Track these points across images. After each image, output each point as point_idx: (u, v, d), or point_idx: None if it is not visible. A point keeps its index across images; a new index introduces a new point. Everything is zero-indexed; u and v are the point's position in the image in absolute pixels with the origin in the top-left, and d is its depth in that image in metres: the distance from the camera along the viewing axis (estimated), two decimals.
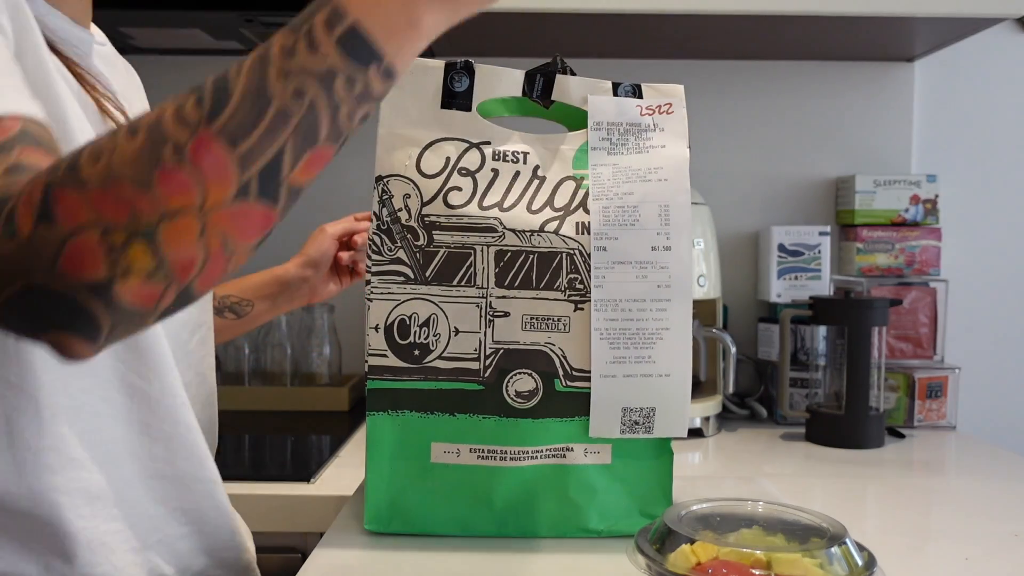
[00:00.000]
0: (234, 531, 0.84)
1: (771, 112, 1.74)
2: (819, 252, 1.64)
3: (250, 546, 0.88)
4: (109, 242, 0.49)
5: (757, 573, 0.67)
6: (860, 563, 0.70)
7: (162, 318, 0.54)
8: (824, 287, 1.63)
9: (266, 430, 1.50)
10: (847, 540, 0.70)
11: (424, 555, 0.87)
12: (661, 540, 0.73)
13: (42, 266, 0.49)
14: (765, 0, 1.35)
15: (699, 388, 1.50)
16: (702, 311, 1.51)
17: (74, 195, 0.49)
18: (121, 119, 0.76)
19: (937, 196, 1.65)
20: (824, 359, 1.53)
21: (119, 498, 0.74)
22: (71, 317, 0.50)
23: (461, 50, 1.60)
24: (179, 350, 0.81)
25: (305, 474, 1.21)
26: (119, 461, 0.74)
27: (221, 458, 0.85)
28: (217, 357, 1.65)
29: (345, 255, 1.18)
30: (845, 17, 1.37)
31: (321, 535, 0.93)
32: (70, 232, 0.49)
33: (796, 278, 1.64)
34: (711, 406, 1.48)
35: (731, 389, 1.48)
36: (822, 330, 1.53)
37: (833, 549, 0.69)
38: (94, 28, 0.83)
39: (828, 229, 1.65)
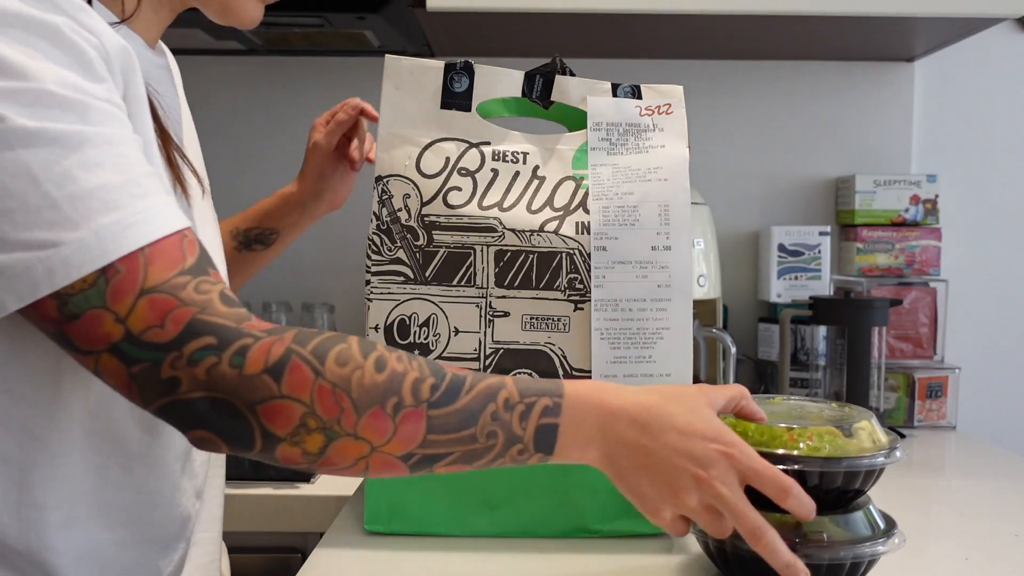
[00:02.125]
0: None
1: (771, 112, 1.74)
2: (819, 252, 1.64)
3: None
4: (306, 422, 0.60)
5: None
6: (884, 439, 0.78)
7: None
8: (824, 287, 1.63)
9: None
10: (872, 420, 0.79)
11: (424, 555, 0.87)
12: None
13: (248, 399, 0.59)
14: (765, 0, 1.35)
15: None
16: (702, 311, 1.50)
17: (308, 375, 0.60)
18: (185, 173, 0.76)
19: (937, 196, 1.65)
20: (824, 359, 1.53)
21: (113, 560, 0.71)
22: (238, 437, 0.60)
23: (462, 51, 1.60)
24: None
25: (305, 474, 1.21)
26: (120, 524, 0.71)
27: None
28: None
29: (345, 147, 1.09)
30: (845, 17, 1.37)
31: (321, 535, 0.93)
32: (284, 396, 0.59)
33: (796, 278, 1.64)
34: None
35: None
36: (822, 330, 1.53)
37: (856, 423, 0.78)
38: (160, 44, 0.82)
39: (828, 229, 1.65)
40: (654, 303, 0.87)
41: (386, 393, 0.62)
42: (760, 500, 0.76)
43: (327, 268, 1.74)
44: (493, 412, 0.66)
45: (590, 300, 0.88)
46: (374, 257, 0.89)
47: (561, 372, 0.88)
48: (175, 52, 0.88)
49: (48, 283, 0.57)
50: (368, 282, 0.89)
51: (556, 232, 0.88)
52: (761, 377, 1.68)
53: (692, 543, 0.88)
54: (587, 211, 0.88)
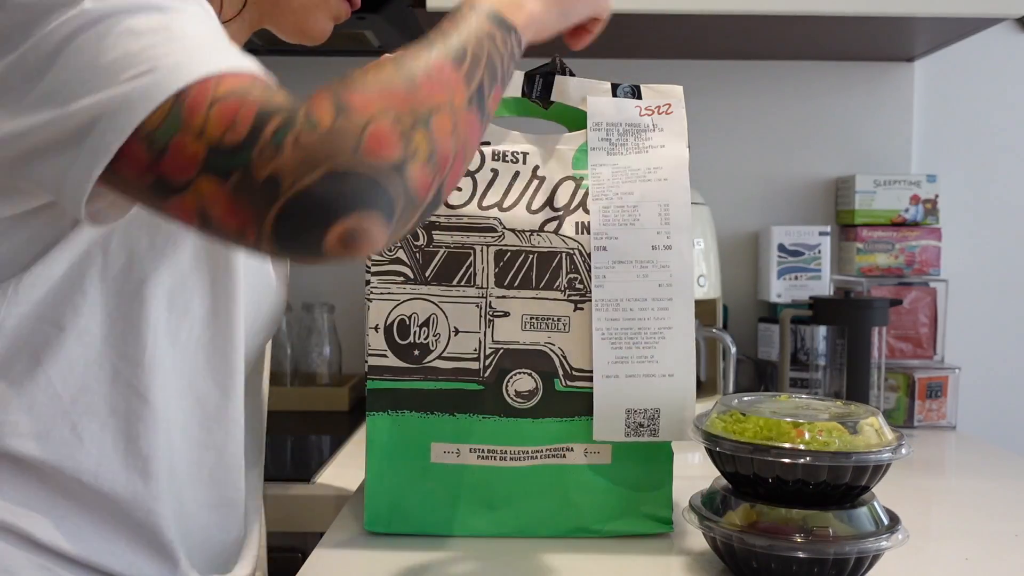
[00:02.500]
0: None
1: (771, 112, 1.74)
2: (819, 252, 1.64)
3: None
4: (400, 127, 0.58)
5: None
6: (889, 436, 0.79)
7: (418, 222, 0.62)
8: (824, 287, 1.63)
9: (267, 430, 1.49)
10: (879, 416, 0.80)
11: (424, 555, 0.86)
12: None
13: (346, 149, 0.56)
14: (765, 0, 1.35)
15: (699, 388, 1.50)
16: (702, 311, 1.50)
17: (362, 94, 0.59)
18: None
19: (937, 196, 1.65)
20: (824, 359, 1.52)
21: (197, 519, 0.80)
22: (373, 196, 0.56)
23: None
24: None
25: (305, 474, 1.21)
26: (203, 484, 0.80)
27: None
28: None
29: None
30: (845, 17, 1.37)
31: (321, 535, 0.93)
32: (367, 120, 0.57)
33: (796, 278, 1.64)
34: (711, 406, 1.48)
35: (731, 389, 1.48)
36: (822, 330, 1.53)
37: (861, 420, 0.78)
38: None
39: (828, 229, 1.65)
40: (655, 303, 0.87)
41: (409, 66, 0.63)
42: (766, 495, 0.76)
43: (327, 268, 1.74)
44: (466, 35, 0.70)
45: (590, 300, 0.87)
46: (374, 257, 0.89)
47: (561, 372, 0.88)
48: None
49: (129, 120, 0.57)
50: (368, 282, 0.89)
51: (556, 232, 0.88)
52: (761, 377, 1.68)
53: (699, 540, 0.88)
54: (587, 211, 0.88)
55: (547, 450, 0.89)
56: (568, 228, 0.88)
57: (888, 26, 1.45)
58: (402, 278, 0.88)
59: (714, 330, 1.47)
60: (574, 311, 0.88)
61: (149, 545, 0.75)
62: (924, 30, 1.50)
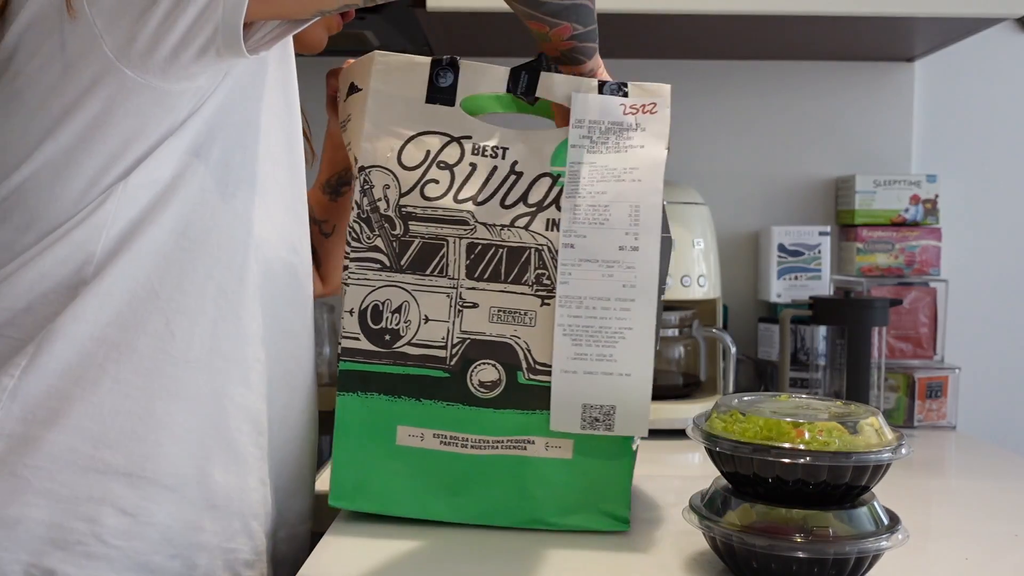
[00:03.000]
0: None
1: (771, 112, 1.74)
2: (819, 252, 1.64)
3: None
4: None
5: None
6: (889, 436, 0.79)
7: None
8: (824, 287, 1.63)
9: None
10: (879, 416, 0.81)
11: (424, 556, 0.87)
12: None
13: None
14: (765, 0, 1.35)
15: (699, 388, 1.50)
16: (702, 311, 1.50)
17: None
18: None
19: (937, 196, 1.65)
20: (824, 359, 1.53)
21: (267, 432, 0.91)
22: None
23: (462, 51, 1.60)
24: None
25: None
26: (280, 401, 0.92)
27: None
28: None
29: None
30: (845, 17, 1.37)
31: (321, 535, 0.93)
32: None
33: (796, 278, 1.64)
34: (711, 406, 1.48)
35: (731, 389, 1.48)
36: (822, 330, 1.53)
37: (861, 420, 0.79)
38: None
39: (828, 229, 1.65)
40: (618, 303, 0.88)
41: None
42: (766, 495, 0.76)
43: None
44: None
45: (556, 296, 0.88)
46: (353, 244, 0.91)
47: (525, 365, 0.90)
48: None
49: None
50: (346, 267, 0.92)
51: (526, 228, 0.89)
52: (761, 377, 1.68)
53: (699, 540, 0.89)
54: (559, 208, 0.89)
55: (508, 441, 0.91)
56: (539, 224, 0.89)
57: (888, 26, 1.45)
58: (379, 265, 0.91)
59: (714, 330, 1.47)
60: (541, 306, 0.89)
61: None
62: (924, 30, 1.50)
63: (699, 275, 1.46)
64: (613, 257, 0.88)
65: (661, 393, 1.45)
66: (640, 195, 0.88)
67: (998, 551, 0.93)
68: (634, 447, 0.92)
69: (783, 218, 1.74)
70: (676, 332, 1.46)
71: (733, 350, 1.46)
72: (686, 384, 1.47)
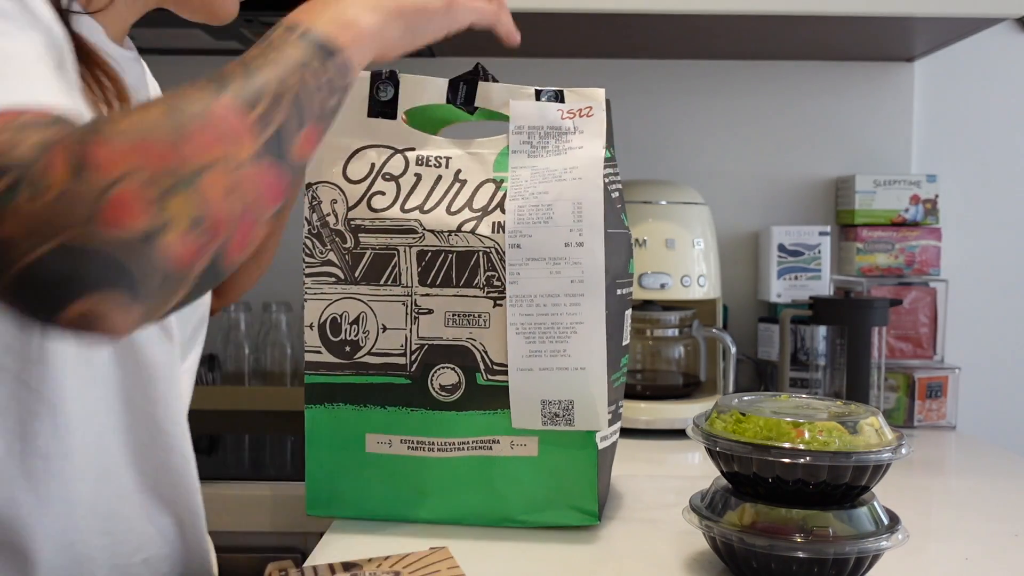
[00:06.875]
0: (209, 565, 0.85)
1: (771, 112, 1.74)
2: (819, 252, 1.64)
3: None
4: (152, 191, 0.48)
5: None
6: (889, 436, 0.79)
7: (193, 294, 0.53)
8: (824, 287, 1.63)
9: (266, 430, 1.50)
10: (879, 416, 0.80)
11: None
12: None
13: (79, 220, 0.46)
14: (765, 0, 1.35)
15: (699, 388, 1.50)
16: (702, 311, 1.51)
17: (111, 146, 0.48)
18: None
19: (937, 196, 1.65)
20: (824, 359, 1.53)
21: (111, 512, 0.73)
22: (109, 276, 0.47)
23: (462, 51, 1.60)
24: (184, 378, 0.82)
25: (305, 474, 1.21)
26: (117, 476, 0.74)
27: (222, 458, 0.86)
28: (216, 356, 1.65)
29: None
30: (845, 17, 1.37)
31: (321, 535, 0.93)
32: (110, 182, 0.47)
33: (796, 278, 1.64)
34: (711, 406, 1.48)
35: (731, 389, 1.48)
36: (822, 330, 1.53)
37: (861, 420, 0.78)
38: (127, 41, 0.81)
39: (828, 229, 1.65)
40: (568, 298, 0.89)
41: (178, 106, 0.52)
42: (766, 495, 0.76)
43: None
44: (261, 62, 0.58)
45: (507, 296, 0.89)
46: (307, 260, 0.93)
47: (483, 366, 0.91)
48: (174, 53, 0.88)
49: None
50: (304, 283, 0.93)
51: (473, 232, 0.91)
52: (761, 377, 1.68)
53: (699, 540, 0.89)
54: (504, 211, 0.90)
55: (474, 442, 0.93)
56: (485, 228, 0.91)
57: (888, 26, 1.45)
58: (333, 279, 0.93)
59: (714, 330, 1.47)
60: (493, 307, 0.91)
61: None
62: (924, 30, 1.50)
63: (699, 275, 1.46)
64: (559, 254, 0.89)
65: (661, 393, 1.46)
66: (581, 192, 0.89)
67: (998, 551, 0.93)
68: (602, 444, 0.93)
69: (783, 218, 1.74)
70: (676, 332, 1.46)
71: (733, 350, 1.46)
72: (686, 384, 1.47)
